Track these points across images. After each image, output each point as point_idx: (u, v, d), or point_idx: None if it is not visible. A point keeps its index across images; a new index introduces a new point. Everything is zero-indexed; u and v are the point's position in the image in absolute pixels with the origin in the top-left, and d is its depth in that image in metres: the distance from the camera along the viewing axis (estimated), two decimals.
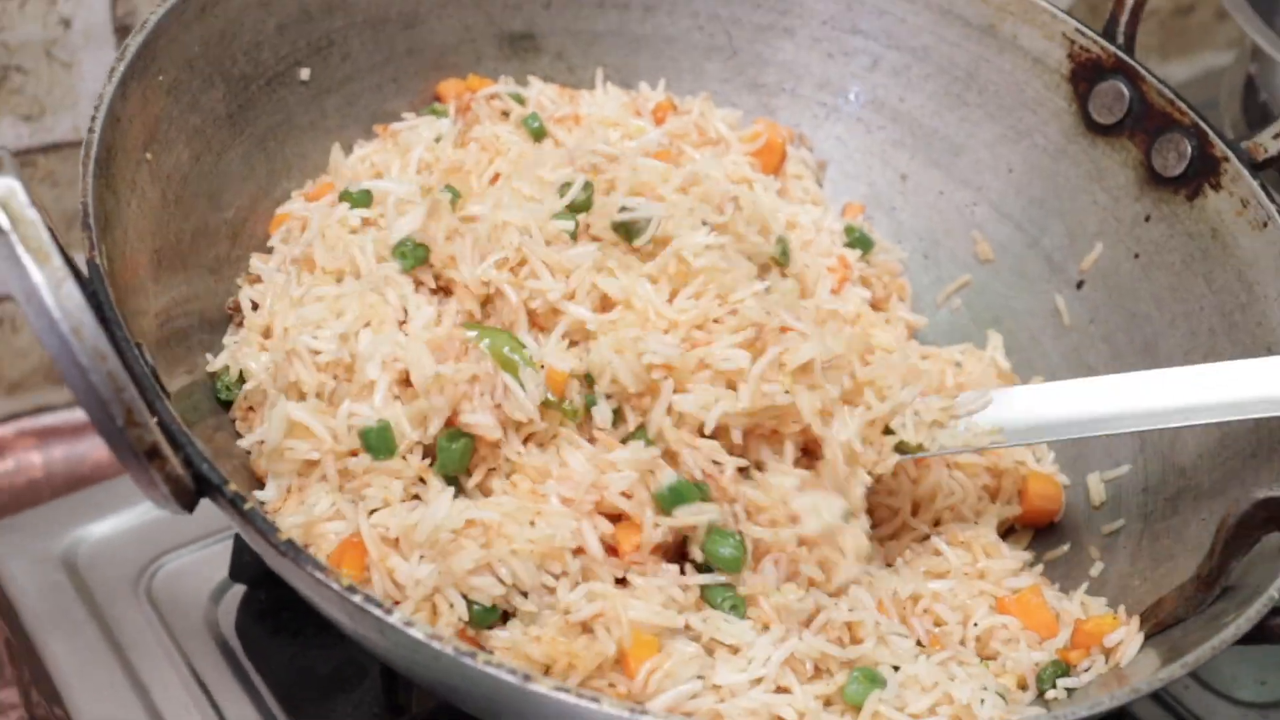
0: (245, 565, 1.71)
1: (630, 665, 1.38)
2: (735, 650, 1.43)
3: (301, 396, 1.48)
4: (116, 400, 1.20)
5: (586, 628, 1.41)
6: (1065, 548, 1.68)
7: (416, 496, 1.46)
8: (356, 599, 1.24)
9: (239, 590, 1.74)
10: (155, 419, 1.28)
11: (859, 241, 1.80)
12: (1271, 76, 2.09)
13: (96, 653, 1.68)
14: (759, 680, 1.41)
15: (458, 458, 1.46)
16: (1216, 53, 2.84)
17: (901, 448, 1.57)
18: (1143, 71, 1.75)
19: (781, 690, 1.41)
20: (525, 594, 1.42)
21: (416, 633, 1.23)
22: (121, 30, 2.00)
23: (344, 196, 1.64)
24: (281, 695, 1.66)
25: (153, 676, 1.66)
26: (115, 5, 1.98)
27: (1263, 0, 2.04)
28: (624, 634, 1.38)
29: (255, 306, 1.60)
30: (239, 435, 1.55)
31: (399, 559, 1.43)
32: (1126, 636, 1.48)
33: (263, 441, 1.48)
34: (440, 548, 1.40)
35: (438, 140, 1.73)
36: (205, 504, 1.33)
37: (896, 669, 1.45)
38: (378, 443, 1.44)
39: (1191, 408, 1.56)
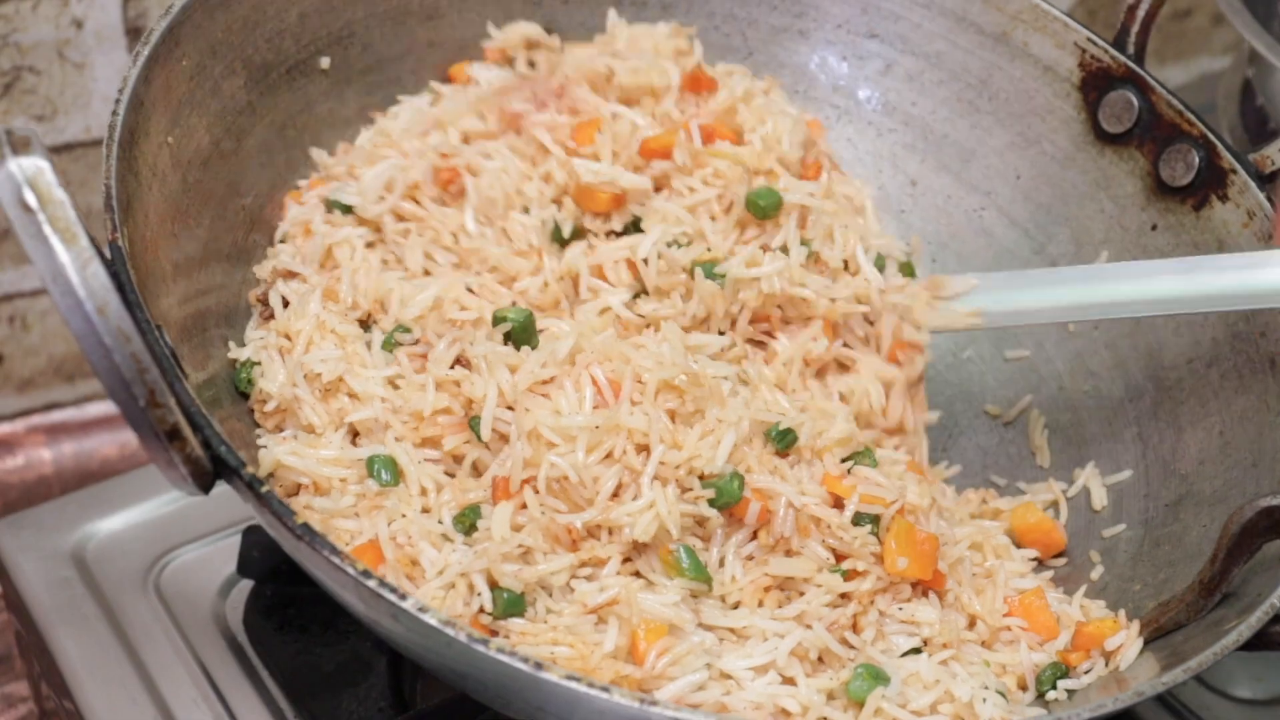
0: (253, 560, 1.72)
1: (639, 650, 1.40)
2: (742, 636, 1.45)
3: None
4: (139, 381, 1.22)
5: (601, 617, 1.42)
6: (1065, 553, 1.69)
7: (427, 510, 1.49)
8: (371, 584, 1.25)
9: (246, 585, 1.75)
10: (175, 400, 1.29)
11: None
12: (1269, 81, 2.10)
13: (105, 647, 1.69)
14: (765, 668, 1.43)
15: None
16: (1213, 57, 2.86)
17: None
18: (1153, 82, 1.76)
19: (787, 682, 1.43)
20: (549, 591, 1.45)
21: (430, 619, 1.24)
22: (133, 31, 2.01)
23: (328, 205, 1.67)
24: (288, 689, 1.66)
25: (161, 670, 1.67)
26: (127, 6, 1.99)
27: (1260, 4, 2.05)
28: (635, 619, 1.40)
29: (286, 304, 1.61)
30: (257, 424, 1.57)
31: (427, 544, 1.45)
32: (1127, 640, 1.50)
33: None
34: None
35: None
36: (214, 500, 1.36)
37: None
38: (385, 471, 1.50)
39: (1171, 298, 1.63)
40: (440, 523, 1.47)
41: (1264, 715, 1.77)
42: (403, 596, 1.25)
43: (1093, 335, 1.79)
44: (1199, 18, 2.82)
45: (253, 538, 1.72)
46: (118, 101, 1.46)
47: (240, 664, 1.69)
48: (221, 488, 1.35)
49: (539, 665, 1.23)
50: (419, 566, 1.44)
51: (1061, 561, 1.68)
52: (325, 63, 1.74)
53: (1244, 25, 2.00)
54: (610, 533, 1.46)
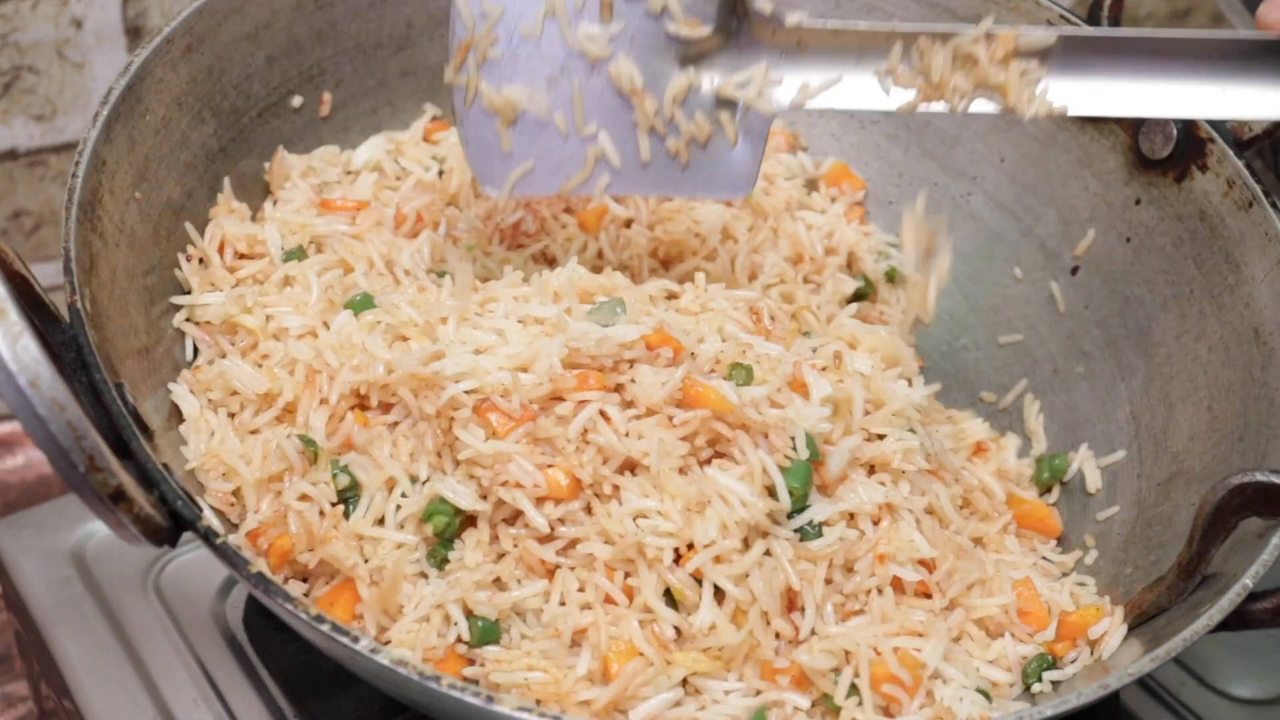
0: None
1: (610, 670, 1.41)
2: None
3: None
4: (77, 448, 1.24)
5: (575, 640, 1.44)
6: (1061, 539, 1.68)
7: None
8: (324, 628, 1.28)
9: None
10: (131, 459, 1.32)
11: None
12: None
13: (105, 647, 1.71)
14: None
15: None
16: None
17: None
18: None
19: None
20: (523, 616, 1.46)
21: (382, 659, 1.26)
22: (133, 31, 2.03)
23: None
24: (287, 689, 1.68)
25: (160, 670, 1.69)
26: (126, 6, 2.01)
27: (1258, 4, 2.01)
28: (604, 645, 1.41)
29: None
30: None
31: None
32: (1110, 628, 1.49)
33: None
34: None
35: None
36: None
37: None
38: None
39: None
40: (416, 561, 1.49)
41: (1264, 714, 1.75)
42: (355, 639, 1.27)
43: (1084, 315, 1.78)
44: (1199, 17, 2.78)
45: None
46: (76, 164, 1.48)
47: (240, 664, 1.71)
48: None
49: (490, 698, 1.25)
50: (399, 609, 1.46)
51: (1055, 549, 1.67)
52: (297, 101, 1.76)
53: (1243, 25, 1.98)
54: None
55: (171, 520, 1.33)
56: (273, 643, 1.72)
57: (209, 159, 1.68)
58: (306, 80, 1.77)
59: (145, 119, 1.59)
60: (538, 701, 1.40)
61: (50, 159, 2.09)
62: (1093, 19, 1.76)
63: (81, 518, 1.83)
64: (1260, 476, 1.38)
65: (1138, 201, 1.74)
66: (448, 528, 1.46)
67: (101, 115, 1.53)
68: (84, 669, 1.69)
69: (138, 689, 1.68)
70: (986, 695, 1.46)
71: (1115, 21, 1.76)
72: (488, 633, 1.43)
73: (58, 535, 1.83)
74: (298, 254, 1.64)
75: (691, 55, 1.59)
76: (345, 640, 1.27)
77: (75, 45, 2.02)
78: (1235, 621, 1.40)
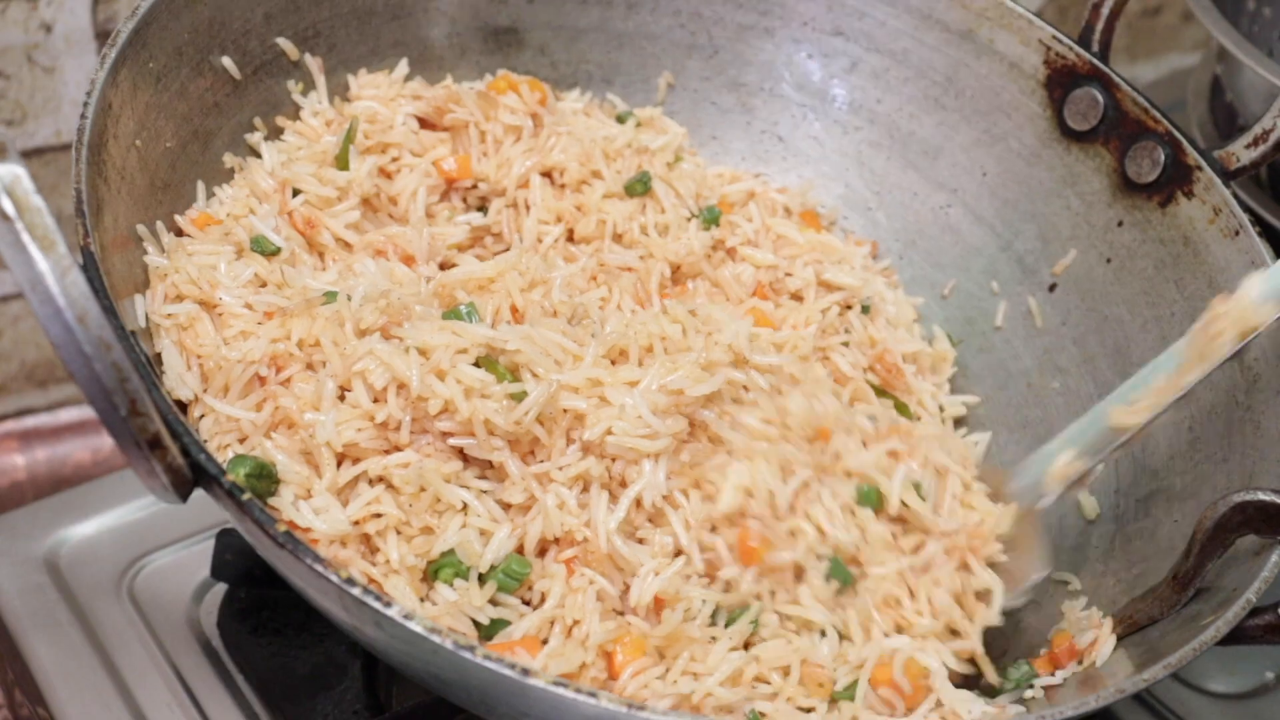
0: (227, 564, 1.71)
1: (615, 666, 1.40)
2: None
3: None
4: (120, 390, 1.20)
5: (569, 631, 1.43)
6: None
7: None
8: (355, 591, 1.24)
9: (220, 589, 1.74)
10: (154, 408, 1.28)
11: None
12: (1237, 78, 2.11)
13: (79, 653, 1.69)
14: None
15: None
16: (1183, 54, 2.87)
17: None
18: (1117, 79, 1.77)
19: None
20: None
21: (415, 626, 1.24)
22: (102, 35, 1.98)
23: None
24: (263, 693, 1.66)
25: (135, 675, 1.67)
26: (96, 10, 1.97)
27: (1228, 2, 2.06)
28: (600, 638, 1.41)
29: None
30: None
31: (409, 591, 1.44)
32: (1100, 638, 1.51)
33: None
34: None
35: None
36: (187, 505, 1.34)
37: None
38: None
39: None
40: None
41: (1237, 709, 1.79)
42: (387, 604, 1.24)
43: (1060, 331, 1.80)
44: (1169, 15, 2.83)
45: (226, 541, 1.70)
46: (86, 105, 1.45)
47: (215, 668, 1.69)
48: (196, 493, 1.34)
49: (525, 671, 1.23)
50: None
51: None
52: (291, 85, 1.74)
53: (1212, 23, 2.01)
54: None
55: (192, 473, 1.30)
56: (247, 646, 1.70)
57: (204, 113, 1.64)
58: (301, 41, 1.73)
59: (148, 66, 1.56)
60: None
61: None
62: (1084, 42, 1.79)
63: (55, 523, 1.81)
64: (1262, 496, 1.42)
65: (1120, 224, 1.77)
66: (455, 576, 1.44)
67: (109, 57, 1.50)
68: (58, 675, 1.67)
69: (112, 695, 1.65)
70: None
71: (1105, 47, 1.79)
72: (498, 626, 1.42)
73: (30, 541, 1.80)
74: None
75: None
76: (377, 605, 1.24)
77: (45, 50, 1.97)
78: (1230, 635, 1.42)
